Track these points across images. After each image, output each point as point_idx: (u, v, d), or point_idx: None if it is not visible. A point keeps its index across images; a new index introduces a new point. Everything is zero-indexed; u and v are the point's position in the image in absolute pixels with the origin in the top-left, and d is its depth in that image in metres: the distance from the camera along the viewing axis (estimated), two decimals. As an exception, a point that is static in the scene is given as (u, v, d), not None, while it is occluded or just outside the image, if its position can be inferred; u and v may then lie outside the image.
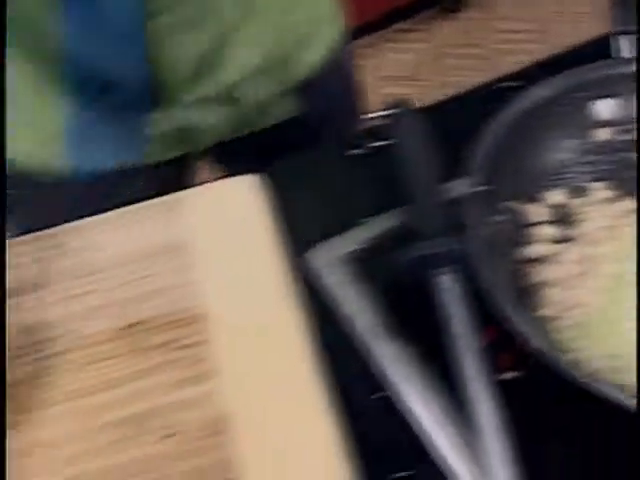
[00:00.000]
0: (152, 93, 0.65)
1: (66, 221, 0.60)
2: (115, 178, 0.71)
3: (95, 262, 0.58)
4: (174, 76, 0.65)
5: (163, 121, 0.68)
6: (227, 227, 0.58)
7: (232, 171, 0.84)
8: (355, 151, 0.65)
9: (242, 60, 0.68)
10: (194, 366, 0.51)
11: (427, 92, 1.89)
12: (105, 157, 0.70)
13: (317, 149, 0.67)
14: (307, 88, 0.75)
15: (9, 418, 0.49)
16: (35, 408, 0.51)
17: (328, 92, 0.80)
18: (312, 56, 0.74)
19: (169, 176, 0.76)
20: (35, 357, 0.54)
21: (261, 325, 0.53)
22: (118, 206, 0.60)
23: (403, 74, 1.97)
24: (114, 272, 0.57)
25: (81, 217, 0.60)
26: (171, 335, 0.53)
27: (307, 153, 0.66)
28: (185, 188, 0.83)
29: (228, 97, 0.69)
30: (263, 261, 0.56)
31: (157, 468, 0.48)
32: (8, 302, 0.56)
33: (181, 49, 0.63)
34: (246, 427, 0.48)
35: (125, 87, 0.64)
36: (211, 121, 0.70)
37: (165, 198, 0.61)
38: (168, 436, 0.49)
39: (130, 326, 0.54)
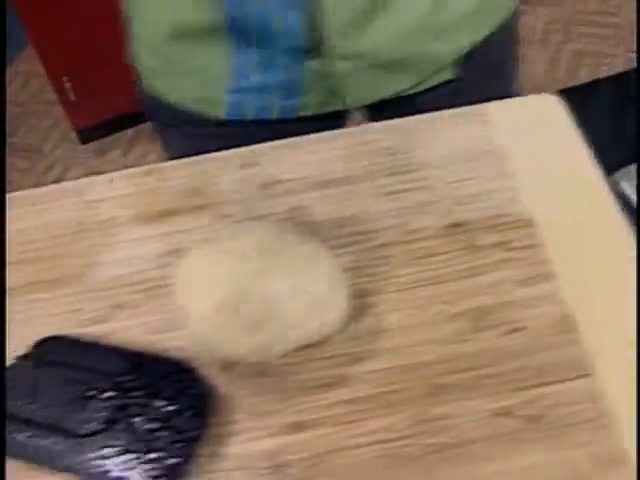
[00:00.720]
0: (310, 42, 0.65)
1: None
2: (269, 126, 0.71)
3: (412, 161, 0.58)
4: (332, 26, 0.64)
5: (318, 72, 0.67)
6: (539, 139, 0.58)
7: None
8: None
9: (399, 21, 0.66)
10: (531, 267, 0.52)
11: (558, 57, 1.87)
12: (263, 105, 0.71)
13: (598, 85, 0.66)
14: (469, 57, 0.73)
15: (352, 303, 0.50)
16: (369, 296, 0.52)
17: (489, 62, 0.77)
18: (482, 28, 0.72)
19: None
20: (357, 248, 0.54)
21: (589, 231, 0.53)
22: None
23: (530, 37, 1.94)
24: (435, 172, 0.57)
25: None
26: (500, 237, 0.53)
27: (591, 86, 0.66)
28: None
29: (382, 57, 0.67)
30: (580, 171, 0.56)
31: (501, 361, 0.48)
32: (314, 194, 0.58)
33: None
34: (592, 325, 0.49)
35: (283, 35, 0.64)
36: (364, 79, 0.69)
37: (471, 108, 0.61)
38: (514, 331, 0.49)
39: (456, 225, 0.54)
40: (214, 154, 0.62)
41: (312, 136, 0.61)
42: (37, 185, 0.62)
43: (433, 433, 0.46)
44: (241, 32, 0.64)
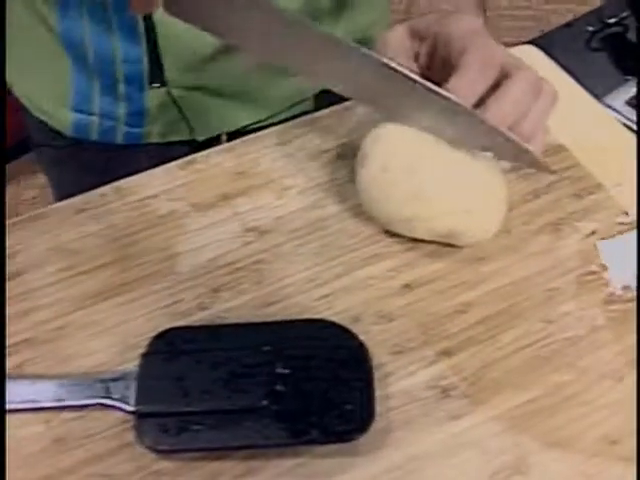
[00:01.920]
0: (151, 73, 0.65)
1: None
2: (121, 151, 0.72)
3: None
4: (173, 62, 0.64)
5: (162, 102, 0.68)
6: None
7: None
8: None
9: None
10: (577, 183, 0.59)
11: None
12: (106, 129, 0.71)
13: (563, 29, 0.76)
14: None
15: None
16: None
17: None
18: None
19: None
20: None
21: (599, 142, 0.62)
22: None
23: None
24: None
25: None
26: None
27: (555, 32, 0.75)
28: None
29: (226, 90, 0.68)
30: (583, 98, 0.66)
31: (592, 259, 0.54)
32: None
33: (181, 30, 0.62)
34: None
35: (123, 65, 0.64)
36: (210, 109, 0.70)
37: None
38: (592, 234, 0.56)
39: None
40: (245, 137, 0.62)
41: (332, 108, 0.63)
42: None
43: (563, 329, 0.51)
44: (79, 56, 0.63)
